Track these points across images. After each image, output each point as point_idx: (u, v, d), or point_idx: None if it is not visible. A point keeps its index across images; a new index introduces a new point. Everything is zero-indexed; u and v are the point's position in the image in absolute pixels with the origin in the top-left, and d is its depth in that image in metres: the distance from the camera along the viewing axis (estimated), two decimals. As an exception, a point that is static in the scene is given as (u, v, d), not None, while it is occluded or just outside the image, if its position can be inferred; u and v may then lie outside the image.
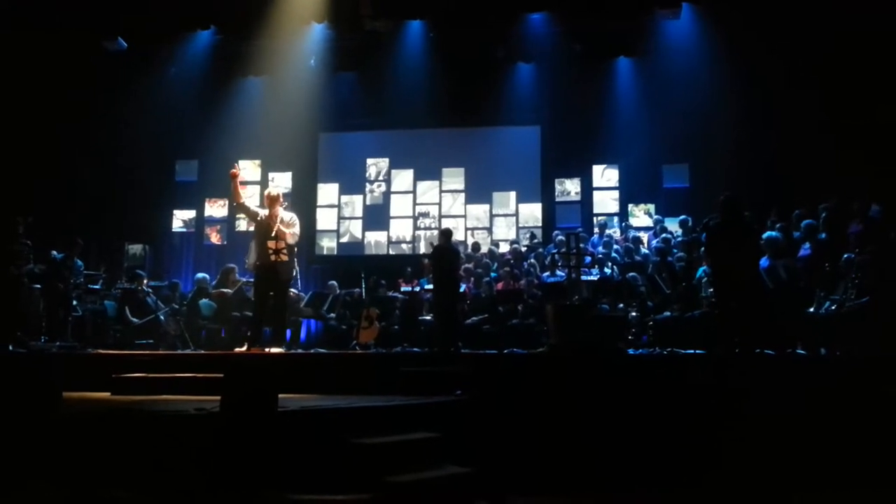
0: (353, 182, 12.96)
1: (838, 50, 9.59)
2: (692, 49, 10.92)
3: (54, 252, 8.69)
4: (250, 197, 9.24)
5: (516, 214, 12.47)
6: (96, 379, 5.55)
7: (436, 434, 4.36)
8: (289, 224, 7.17)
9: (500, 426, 5.08)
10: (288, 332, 8.48)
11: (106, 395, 5.29)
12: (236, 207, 7.79)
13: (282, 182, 12.80)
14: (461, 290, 8.90)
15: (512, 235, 12.18)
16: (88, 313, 9.12)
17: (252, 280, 8.10)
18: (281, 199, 7.34)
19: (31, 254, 8.32)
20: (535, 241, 11.18)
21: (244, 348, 7.13)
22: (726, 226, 6.62)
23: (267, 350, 7.01)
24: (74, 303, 8.83)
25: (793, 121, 10.03)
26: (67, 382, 4.83)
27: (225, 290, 9.35)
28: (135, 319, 8.82)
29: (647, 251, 9.62)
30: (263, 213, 7.24)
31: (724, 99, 10.74)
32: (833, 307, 6.75)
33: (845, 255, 6.86)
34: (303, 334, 9.90)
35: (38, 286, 8.54)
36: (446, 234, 8.75)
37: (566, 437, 5.29)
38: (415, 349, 8.74)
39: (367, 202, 12.92)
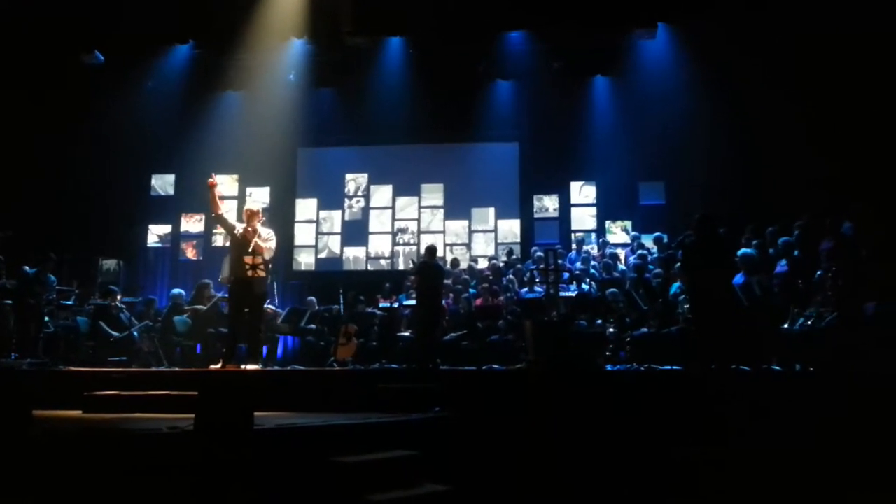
0: (331, 197, 12.94)
1: (814, 68, 9.77)
2: (668, 68, 11.11)
3: (26, 267, 8.55)
4: (228, 212, 9.16)
5: (495, 230, 12.52)
6: (68, 397, 5.43)
7: (414, 452, 4.33)
8: (266, 239, 7.13)
9: (478, 443, 5.05)
10: (264, 349, 8.39)
11: (78, 413, 5.18)
12: (214, 219, 7.71)
13: (260, 197, 12.77)
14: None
15: (491, 251, 12.23)
16: (60, 329, 8.97)
17: (227, 296, 8.01)
18: (260, 215, 7.30)
19: (3, 269, 8.18)
20: (514, 257, 11.22)
21: (219, 365, 7.04)
22: (701, 243, 6.68)
23: (243, 367, 6.93)
24: (46, 319, 8.69)
25: (768, 138, 10.20)
26: (38, 400, 4.73)
27: (199, 306, 9.21)
28: (115, 333, 8.67)
29: (624, 267, 9.69)
30: (241, 226, 7.18)
31: (699, 117, 10.92)
32: (808, 323, 6.83)
33: (818, 272, 6.95)
34: (279, 351, 9.81)
35: (10, 302, 8.39)
36: (431, 250, 8.79)
37: (545, 453, 5.27)
38: (393, 366, 8.70)
39: (346, 217, 12.91)
